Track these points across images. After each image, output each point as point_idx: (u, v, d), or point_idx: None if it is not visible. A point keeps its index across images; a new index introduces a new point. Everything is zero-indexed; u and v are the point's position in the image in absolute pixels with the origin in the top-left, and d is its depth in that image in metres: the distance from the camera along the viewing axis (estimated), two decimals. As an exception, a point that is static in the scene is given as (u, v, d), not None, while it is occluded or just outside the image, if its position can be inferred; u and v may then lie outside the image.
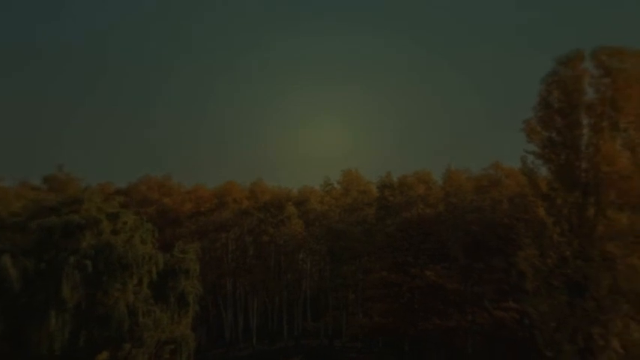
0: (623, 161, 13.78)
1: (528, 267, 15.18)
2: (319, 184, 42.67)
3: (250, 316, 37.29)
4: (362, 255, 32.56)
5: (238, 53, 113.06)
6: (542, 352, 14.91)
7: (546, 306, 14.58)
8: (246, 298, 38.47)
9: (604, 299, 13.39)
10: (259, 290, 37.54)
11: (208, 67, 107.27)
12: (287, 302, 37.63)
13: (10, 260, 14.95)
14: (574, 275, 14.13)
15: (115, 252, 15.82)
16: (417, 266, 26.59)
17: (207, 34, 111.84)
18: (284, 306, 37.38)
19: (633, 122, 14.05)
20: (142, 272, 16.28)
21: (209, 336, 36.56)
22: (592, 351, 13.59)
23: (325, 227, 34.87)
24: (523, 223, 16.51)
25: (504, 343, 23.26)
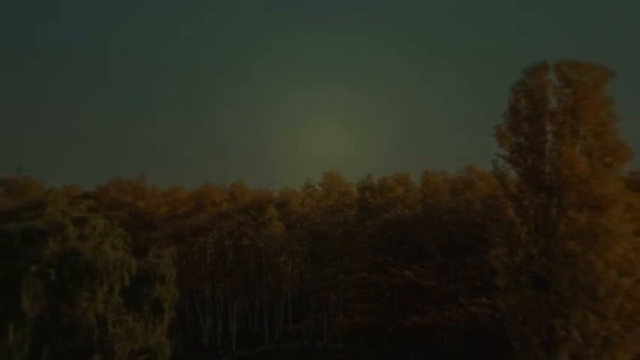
0: (581, 166, 14.96)
1: (499, 264, 16.08)
2: (300, 185, 42.82)
3: (230, 321, 36.62)
4: (343, 256, 32.99)
5: (238, 53, 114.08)
6: (512, 345, 15.84)
7: (515, 301, 15.52)
8: (226, 302, 37.77)
9: (565, 293, 14.46)
10: (239, 294, 37.01)
11: (208, 67, 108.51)
12: (268, 305, 37.35)
13: (-36, 270, 13.84)
14: (539, 271, 15.15)
15: (82, 259, 15.03)
16: (396, 266, 27.33)
17: (207, 34, 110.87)
18: (265, 309, 37.05)
19: (591, 130, 15.30)
20: (112, 280, 15.58)
21: (186, 343, 35.53)
22: (555, 342, 14.62)
23: (306, 229, 34.98)
24: (494, 223, 17.47)
25: (478, 338, 24.40)
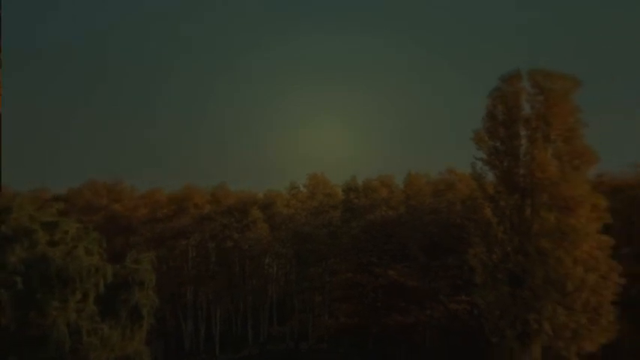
0: (552, 169, 15.94)
1: (477, 263, 16.81)
2: (285, 187, 42.69)
3: (213, 325, 35.88)
4: (328, 257, 33.16)
5: (238, 53, 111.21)
6: (489, 340, 16.56)
7: (492, 297, 16.26)
8: (209, 306, 36.99)
9: (538, 289, 15.32)
10: (223, 297, 36.35)
11: (208, 67, 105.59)
12: (252, 308, 36.90)
13: None
14: (514, 269, 15.96)
15: (52, 265, 14.22)
16: (380, 266, 27.80)
17: (207, 34, 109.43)
18: (249, 312, 36.59)
19: (561, 135, 16.35)
20: (86, 286, 14.88)
21: (167, 349, 34.46)
22: (528, 335, 15.43)
23: (291, 230, 34.92)
24: (473, 223, 18.23)
25: (458, 334, 25.23)
